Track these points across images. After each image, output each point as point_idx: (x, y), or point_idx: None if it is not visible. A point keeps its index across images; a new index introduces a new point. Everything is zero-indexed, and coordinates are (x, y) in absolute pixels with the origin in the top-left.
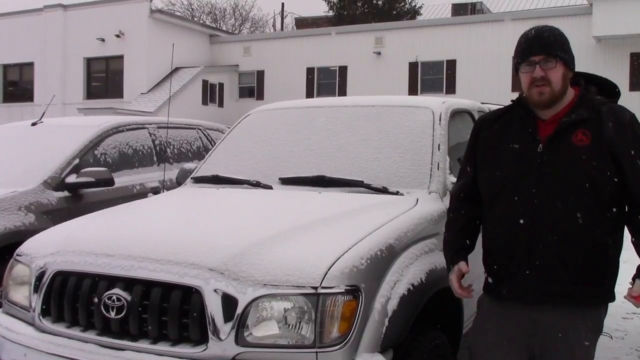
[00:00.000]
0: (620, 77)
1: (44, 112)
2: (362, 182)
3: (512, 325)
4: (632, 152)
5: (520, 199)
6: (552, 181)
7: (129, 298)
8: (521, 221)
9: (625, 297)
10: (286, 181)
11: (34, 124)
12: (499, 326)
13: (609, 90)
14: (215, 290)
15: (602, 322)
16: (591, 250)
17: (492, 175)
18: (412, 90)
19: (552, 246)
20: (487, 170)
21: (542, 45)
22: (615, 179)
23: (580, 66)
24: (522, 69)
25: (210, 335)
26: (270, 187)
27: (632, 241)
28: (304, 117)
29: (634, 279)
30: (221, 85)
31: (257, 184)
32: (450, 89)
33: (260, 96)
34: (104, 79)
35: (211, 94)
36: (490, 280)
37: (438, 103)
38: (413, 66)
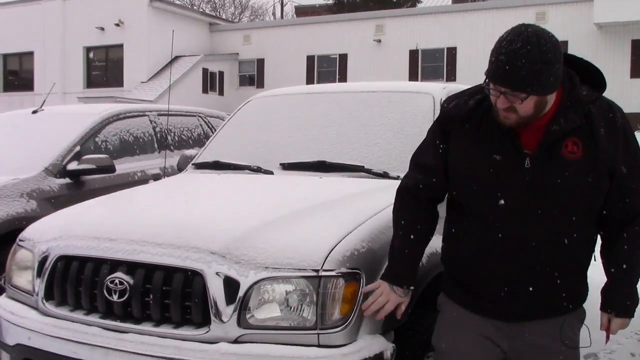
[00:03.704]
0: (621, 64)
1: (44, 100)
2: (363, 167)
3: (489, 329)
4: (624, 168)
5: (505, 222)
6: (544, 205)
7: (131, 281)
8: (507, 247)
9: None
10: (287, 166)
11: (34, 112)
12: (472, 330)
13: (593, 76)
14: (217, 274)
15: (584, 311)
16: (581, 268)
17: (467, 188)
18: (413, 78)
19: (543, 273)
20: (461, 182)
21: (510, 79)
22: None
23: (582, 54)
24: (488, 85)
25: (212, 317)
26: (271, 173)
27: (602, 252)
28: (304, 103)
29: (603, 310)
30: (221, 73)
31: (258, 170)
32: (451, 77)
33: (260, 84)
34: (103, 68)
35: (211, 82)
36: (460, 291)
37: (439, 88)
38: (413, 54)
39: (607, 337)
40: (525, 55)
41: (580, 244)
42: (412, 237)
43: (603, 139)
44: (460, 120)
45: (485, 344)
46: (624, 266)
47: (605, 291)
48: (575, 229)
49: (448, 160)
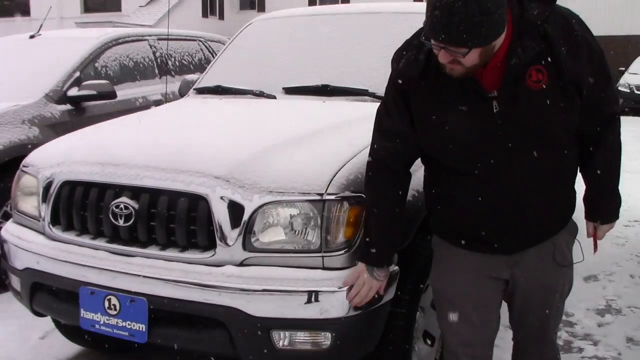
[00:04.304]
0: None
1: (41, 25)
2: (367, 90)
3: (487, 265)
4: (591, 78)
5: (489, 170)
6: (523, 142)
7: (136, 206)
8: (497, 193)
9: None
10: (290, 91)
11: (32, 37)
12: (469, 270)
13: None
14: (221, 198)
15: (575, 225)
16: (570, 184)
17: (442, 148)
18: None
19: (537, 204)
20: (433, 142)
21: (447, 36)
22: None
23: None
24: (429, 40)
25: (218, 241)
26: (273, 97)
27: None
28: (307, 26)
29: (588, 219)
30: None
31: (260, 94)
32: None
33: (261, 8)
34: None
35: (211, 6)
36: (456, 236)
37: None
38: None
39: (595, 245)
40: (462, 8)
41: (567, 165)
42: (389, 215)
43: (566, 58)
44: (415, 80)
45: (484, 282)
46: (599, 172)
47: (586, 200)
48: (559, 154)
49: (414, 122)
